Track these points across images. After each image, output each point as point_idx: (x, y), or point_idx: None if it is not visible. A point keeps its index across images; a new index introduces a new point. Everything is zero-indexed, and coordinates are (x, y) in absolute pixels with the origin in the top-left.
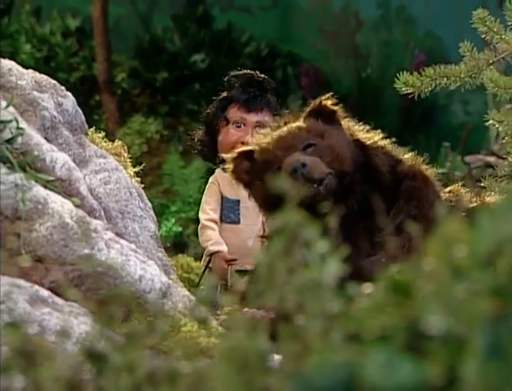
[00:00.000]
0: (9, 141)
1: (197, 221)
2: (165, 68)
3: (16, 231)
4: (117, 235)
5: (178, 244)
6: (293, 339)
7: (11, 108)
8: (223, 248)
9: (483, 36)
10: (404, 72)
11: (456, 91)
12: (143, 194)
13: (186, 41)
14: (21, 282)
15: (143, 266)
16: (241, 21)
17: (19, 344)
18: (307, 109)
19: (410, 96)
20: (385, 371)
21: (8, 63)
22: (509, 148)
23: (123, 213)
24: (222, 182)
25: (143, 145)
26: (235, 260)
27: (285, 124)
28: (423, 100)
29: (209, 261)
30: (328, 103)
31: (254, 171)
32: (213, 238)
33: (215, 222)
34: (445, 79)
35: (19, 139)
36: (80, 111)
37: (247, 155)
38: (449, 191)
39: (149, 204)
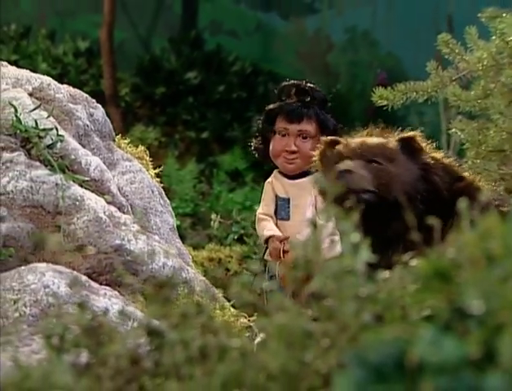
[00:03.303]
0: (50, 146)
1: (195, 216)
2: (163, 84)
3: (57, 224)
4: (142, 227)
5: None
6: (329, 319)
7: (51, 118)
8: (277, 232)
9: (447, 56)
10: (371, 87)
11: (412, 104)
12: (163, 192)
13: (181, 60)
14: (63, 268)
15: (166, 255)
16: (229, 44)
17: (86, 323)
18: (401, 135)
19: (384, 108)
20: (432, 347)
21: (47, 79)
22: (469, 153)
23: (146, 209)
24: (276, 182)
25: None
26: (287, 238)
27: (379, 134)
28: (384, 112)
29: (266, 249)
30: (419, 140)
31: (328, 159)
32: (267, 226)
33: (270, 216)
34: (414, 93)
35: (59, 145)
36: (108, 120)
37: (335, 144)
38: None
39: (168, 201)
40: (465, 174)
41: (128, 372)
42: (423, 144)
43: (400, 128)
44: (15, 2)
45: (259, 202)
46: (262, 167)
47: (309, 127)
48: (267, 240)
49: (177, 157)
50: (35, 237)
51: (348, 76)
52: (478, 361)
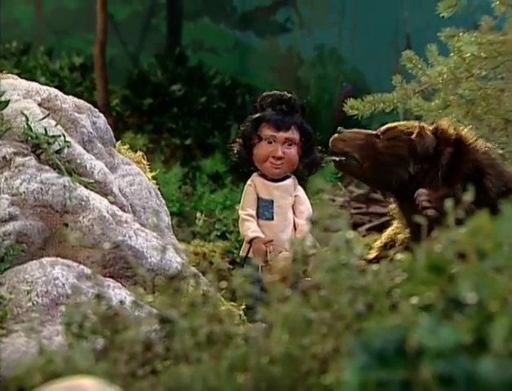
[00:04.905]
0: (58, 152)
1: (188, 215)
2: (150, 96)
3: (65, 222)
4: (141, 225)
5: None
6: (326, 308)
7: (58, 126)
8: (261, 234)
9: (410, 71)
10: (338, 99)
11: (375, 114)
12: (159, 193)
13: (166, 74)
14: (70, 262)
15: (163, 250)
16: (209, 60)
17: (104, 312)
18: (457, 133)
19: (355, 117)
20: (430, 334)
21: (55, 91)
22: None
23: (144, 208)
24: (258, 185)
25: None
26: (271, 240)
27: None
28: (350, 121)
29: (249, 249)
30: (472, 139)
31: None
32: (251, 227)
33: (253, 217)
34: (382, 104)
35: (66, 150)
36: (109, 128)
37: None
38: None
39: (163, 201)
40: None
41: (141, 357)
42: (477, 144)
43: None
44: (16, 21)
45: (239, 202)
46: (240, 170)
47: (294, 135)
48: (250, 240)
49: (163, 162)
50: (58, 234)
51: (317, 88)
52: (472, 346)
